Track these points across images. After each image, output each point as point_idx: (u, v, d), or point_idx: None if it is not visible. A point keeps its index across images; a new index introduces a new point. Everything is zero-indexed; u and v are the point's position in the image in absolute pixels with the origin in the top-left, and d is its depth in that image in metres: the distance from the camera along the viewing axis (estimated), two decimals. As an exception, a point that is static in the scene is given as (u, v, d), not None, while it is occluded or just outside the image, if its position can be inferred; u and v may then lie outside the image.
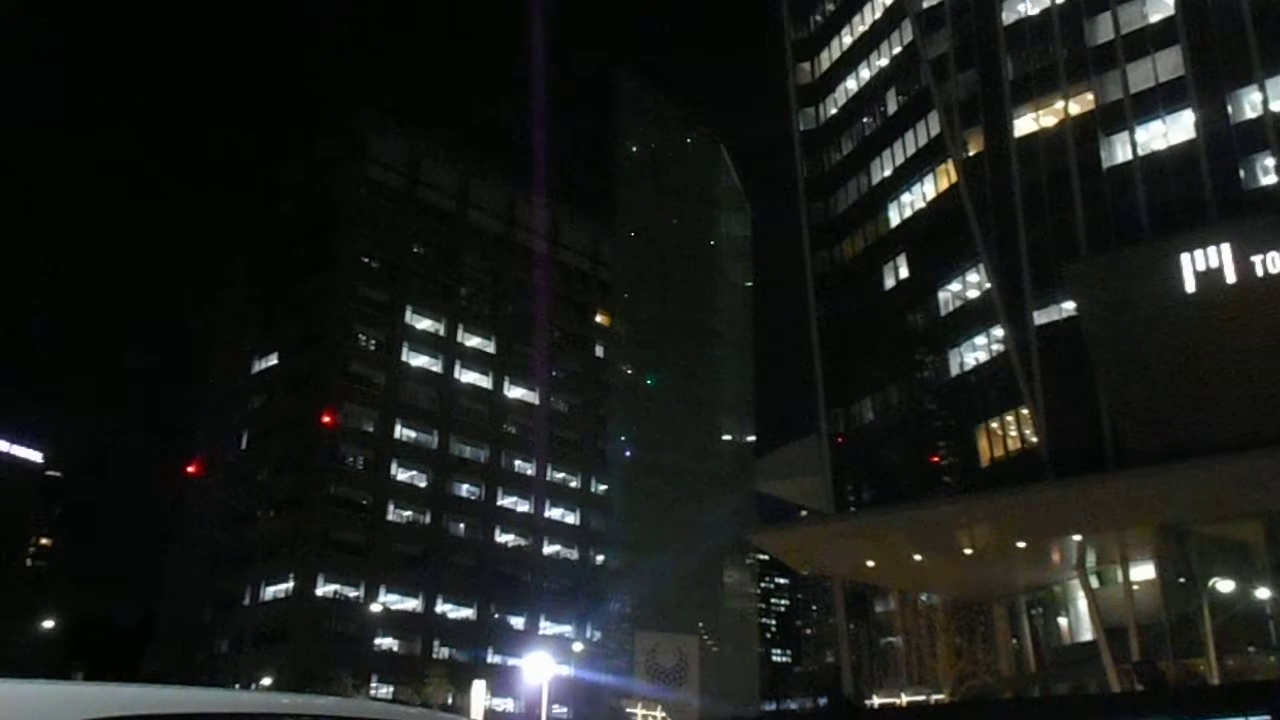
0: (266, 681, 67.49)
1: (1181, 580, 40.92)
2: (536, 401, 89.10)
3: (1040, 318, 47.65)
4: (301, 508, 73.93)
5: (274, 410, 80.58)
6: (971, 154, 52.99)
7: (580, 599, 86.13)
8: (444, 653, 76.02)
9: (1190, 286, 39.02)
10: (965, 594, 51.46)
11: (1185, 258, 39.30)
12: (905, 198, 58.10)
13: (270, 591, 74.68)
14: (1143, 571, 43.71)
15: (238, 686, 65.09)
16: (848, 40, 65.14)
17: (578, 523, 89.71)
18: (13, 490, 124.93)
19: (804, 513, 65.64)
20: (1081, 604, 46.48)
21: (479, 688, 61.51)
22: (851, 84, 64.34)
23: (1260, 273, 38.01)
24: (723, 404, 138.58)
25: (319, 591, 71.89)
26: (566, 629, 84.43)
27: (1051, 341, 46.65)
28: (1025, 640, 50.89)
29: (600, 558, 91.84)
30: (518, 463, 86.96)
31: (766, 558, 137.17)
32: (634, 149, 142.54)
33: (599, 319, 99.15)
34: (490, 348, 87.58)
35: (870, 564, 49.58)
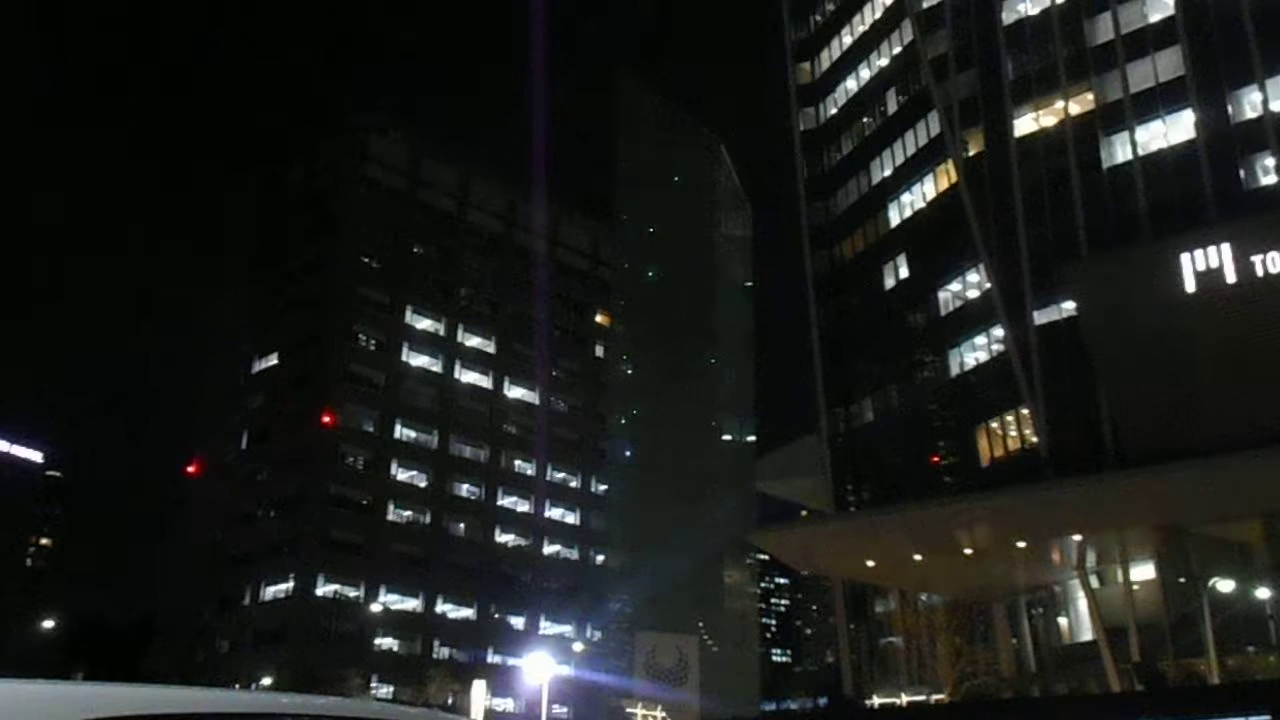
0: (266, 681, 67.52)
1: (1181, 580, 40.92)
2: (536, 401, 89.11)
3: (1040, 318, 47.61)
4: (301, 508, 73.93)
5: (274, 410, 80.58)
6: (971, 154, 52.97)
7: (580, 599, 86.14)
8: (444, 653, 76.04)
9: (1190, 286, 39.02)
10: (965, 594, 51.40)
11: (1185, 258, 39.30)
12: (905, 198, 58.08)
13: (270, 591, 74.69)
14: (1143, 571, 43.71)
15: (238, 686, 65.09)
16: (848, 40, 65.11)
17: (578, 523, 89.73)
18: (13, 490, 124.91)
19: (804, 513, 65.59)
20: (1081, 604, 46.48)
21: (479, 688, 61.51)
22: (851, 84, 64.31)
23: (1260, 273, 38.02)
24: (723, 404, 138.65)
25: (319, 591, 71.89)
26: (566, 629, 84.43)
27: (1051, 341, 46.62)
28: (1025, 640, 50.86)
29: (600, 558, 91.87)
30: (518, 463, 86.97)
31: (766, 558, 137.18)
32: (634, 149, 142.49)
33: (599, 319, 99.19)
34: (490, 348, 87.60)
35: (870, 564, 49.56)
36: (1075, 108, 49.54)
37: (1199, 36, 45.92)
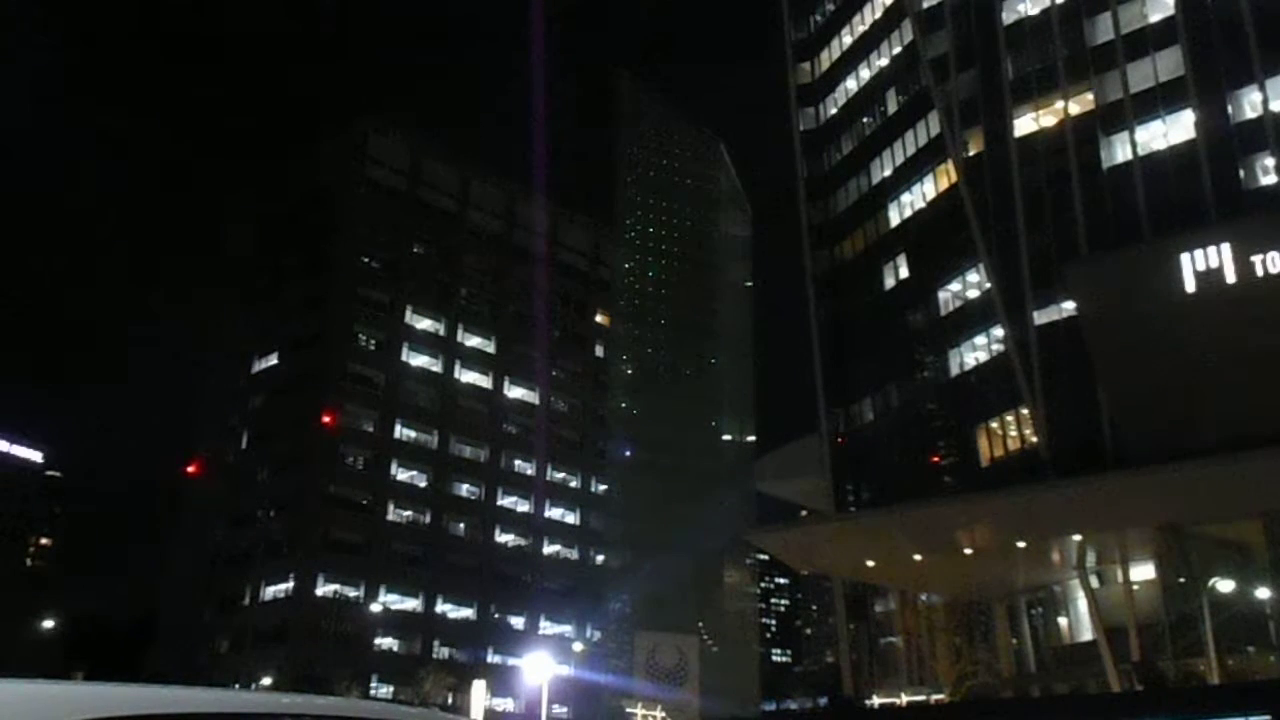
0: (266, 681, 67.49)
1: (1181, 580, 40.88)
2: (536, 401, 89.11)
3: (1040, 318, 47.62)
4: (301, 508, 73.91)
5: (274, 410, 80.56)
6: (971, 154, 52.97)
7: (580, 599, 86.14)
8: (444, 653, 76.02)
9: (1190, 286, 39.01)
10: (965, 594, 51.43)
11: (1185, 258, 39.29)
12: (905, 198, 58.08)
13: (270, 591, 74.66)
14: (1143, 571, 43.69)
15: (238, 686, 65.08)
16: (848, 40, 65.12)
17: (578, 523, 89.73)
18: (13, 490, 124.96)
19: (804, 513, 65.62)
20: (1081, 604, 46.46)
21: (479, 688, 61.51)
22: (851, 84, 64.31)
23: (1260, 273, 38.01)
24: (723, 404, 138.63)
25: (319, 591, 71.88)
26: (566, 629, 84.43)
27: (1051, 341, 46.62)
28: (1025, 640, 50.87)
29: (600, 558, 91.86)
30: (518, 463, 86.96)
31: (766, 558, 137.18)
32: (634, 149, 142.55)
33: (599, 319, 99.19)
34: (490, 348, 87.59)
35: (870, 564, 49.58)
36: (1075, 108, 49.54)
37: (1199, 36, 45.92)
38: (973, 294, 52.34)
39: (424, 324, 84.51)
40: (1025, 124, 51.07)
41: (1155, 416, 40.00)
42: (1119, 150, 47.66)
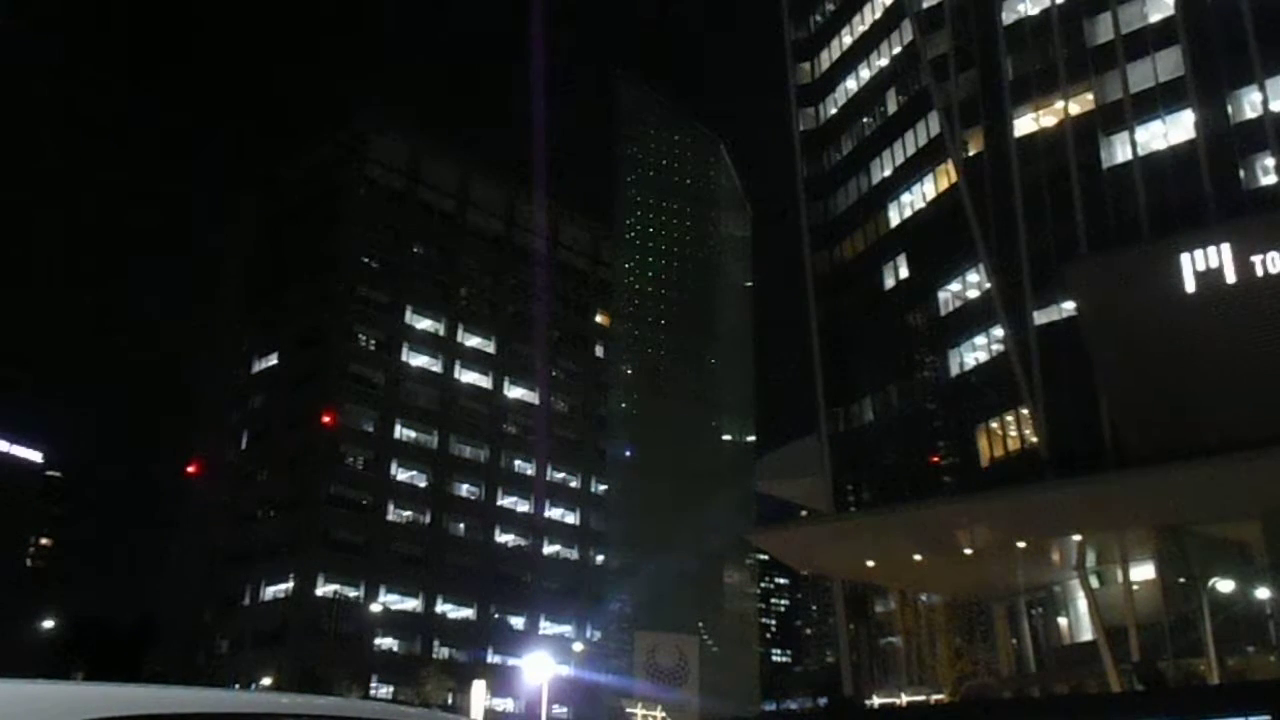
0: (266, 681, 67.52)
1: (1181, 580, 40.89)
2: (536, 401, 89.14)
3: (1040, 318, 47.60)
4: (301, 508, 73.93)
5: (274, 410, 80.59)
6: (971, 154, 52.94)
7: (580, 599, 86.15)
8: (444, 653, 76.06)
9: (1190, 286, 38.99)
10: (965, 594, 51.44)
11: (1185, 258, 39.28)
12: (905, 198, 58.06)
13: (270, 591, 74.70)
14: (1143, 571, 43.71)
15: (238, 686, 65.09)
16: (848, 40, 65.09)
17: (578, 523, 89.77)
18: (13, 490, 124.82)
19: (804, 513, 65.64)
20: (1081, 604, 46.48)
21: (479, 688, 61.54)
22: (851, 84, 64.29)
23: (1260, 273, 37.99)
24: (723, 404, 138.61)
25: (319, 591, 71.90)
26: (566, 629, 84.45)
27: (1051, 341, 46.60)
28: (1025, 640, 50.87)
29: (600, 558, 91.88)
30: (518, 463, 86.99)
31: (766, 558, 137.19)
32: (634, 149, 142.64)
33: (599, 319, 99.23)
34: (490, 348, 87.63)
35: (870, 564, 49.57)
36: (1075, 108, 49.51)
37: (1199, 36, 45.90)
38: (973, 294, 52.33)
39: (424, 324, 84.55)
40: (1025, 124, 51.03)
41: (1155, 416, 39.99)
42: (1119, 150, 47.63)
